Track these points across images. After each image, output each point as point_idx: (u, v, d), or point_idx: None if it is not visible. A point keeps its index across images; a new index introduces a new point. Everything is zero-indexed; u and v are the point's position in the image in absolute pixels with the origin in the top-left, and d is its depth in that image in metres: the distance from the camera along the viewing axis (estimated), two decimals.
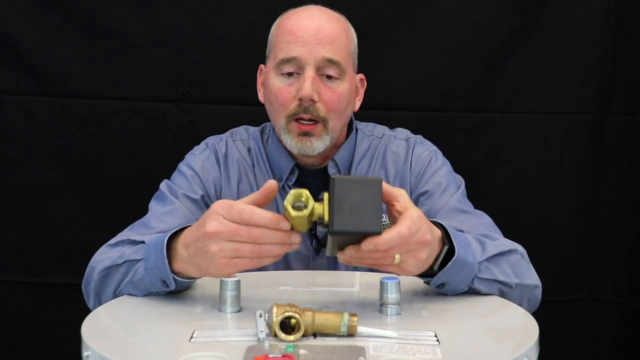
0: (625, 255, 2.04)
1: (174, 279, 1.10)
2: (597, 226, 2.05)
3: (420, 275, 1.13)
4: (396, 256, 0.99)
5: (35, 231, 1.98)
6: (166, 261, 1.09)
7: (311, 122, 1.37)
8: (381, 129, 1.53)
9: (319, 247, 1.42)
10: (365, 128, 1.52)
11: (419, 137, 1.51)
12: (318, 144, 1.38)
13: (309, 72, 1.36)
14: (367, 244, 0.95)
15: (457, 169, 1.50)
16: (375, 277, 1.26)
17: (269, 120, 1.50)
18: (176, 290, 1.14)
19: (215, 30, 1.93)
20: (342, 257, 1.00)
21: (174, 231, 1.12)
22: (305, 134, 1.38)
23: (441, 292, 1.15)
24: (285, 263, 1.43)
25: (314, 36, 1.36)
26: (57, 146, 1.95)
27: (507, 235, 1.33)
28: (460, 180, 1.47)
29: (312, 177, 1.46)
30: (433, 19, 1.96)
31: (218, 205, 1.01)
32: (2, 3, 1.89)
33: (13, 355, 2.02)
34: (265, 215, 0.98)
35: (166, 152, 1.88)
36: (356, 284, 1.27)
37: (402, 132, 1.52)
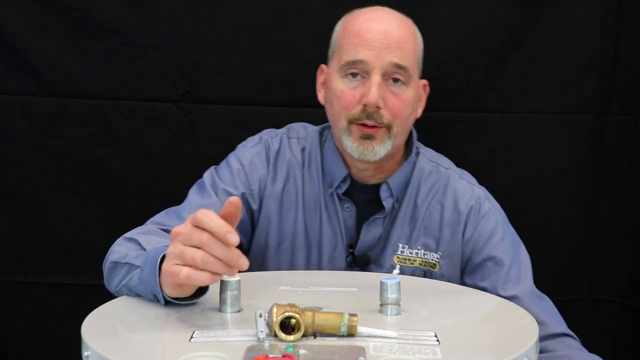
0: (625, 255, 2.04)
1: (163, 297, 1.07)
2: (597, 226, 2.04)
3: None
4: None
5: (35, 231, 1.97)
6: (157, 278, 1.06)
7: (374, 127, 1.34)
8: (447, 162, 1.49)
9: (353, 264, 1.40)
10: (427, 153, 1.48)
11: (484, 191, 1.46)
12: (380, 149, 1.34)
13: (376, 78, 1.32)
14: None
15: None
16: (375, 277, 1.26)
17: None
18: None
19: (215, 30, 1.93)
20: None
21: None
22: (368, 137, 1.34)
23: None
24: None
25: (382, 40, 1.33)
26: (57, 146, 1.95)
27: None
28: (518, 241, 1.42)
29: (362, 192, 1.42)
30: (433, 19, 1.95)
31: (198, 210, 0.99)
32: (2, 3, 1.88)
33: (13, 355, 2.02)
34: (214, 221, 0.95)
35: (166, 152, 1.88)
36: (356, 284, 1.27)
37: (467, 175, 1.48)
